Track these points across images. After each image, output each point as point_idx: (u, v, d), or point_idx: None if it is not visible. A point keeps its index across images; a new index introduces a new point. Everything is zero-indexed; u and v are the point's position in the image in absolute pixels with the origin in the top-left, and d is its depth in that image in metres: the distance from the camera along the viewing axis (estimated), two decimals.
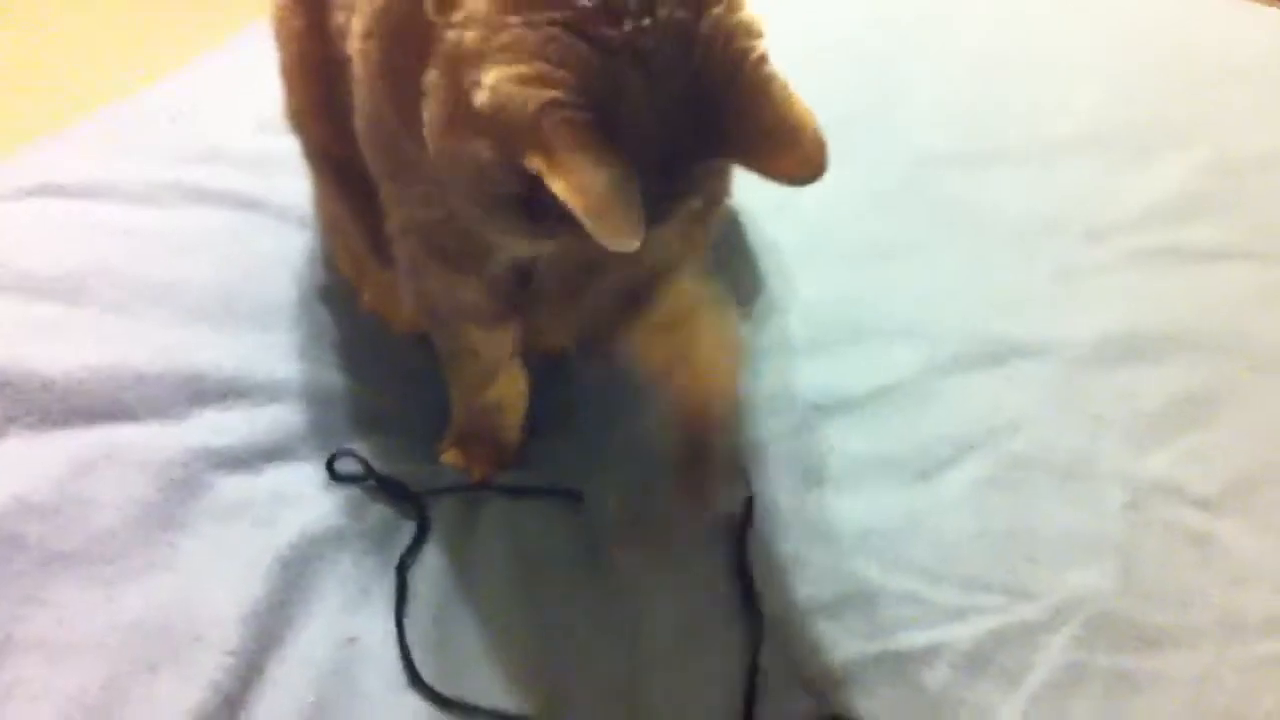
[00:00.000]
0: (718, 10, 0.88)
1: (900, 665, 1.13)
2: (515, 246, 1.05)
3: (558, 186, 0.84)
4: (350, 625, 1.12)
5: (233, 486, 1.20)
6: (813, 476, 1.27)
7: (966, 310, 1.42)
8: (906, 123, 1.62)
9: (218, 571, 1.13)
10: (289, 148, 1.32)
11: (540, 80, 0.85)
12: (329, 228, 1.38)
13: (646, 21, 0.85)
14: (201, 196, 1.44)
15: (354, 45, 1.04)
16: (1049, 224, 1.50)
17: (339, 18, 1.09)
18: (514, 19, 0.86)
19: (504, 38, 0.86)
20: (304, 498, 1.20)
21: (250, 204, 1.45)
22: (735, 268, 1.45)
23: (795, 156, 0.89)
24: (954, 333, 1.39)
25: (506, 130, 0.86)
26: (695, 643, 1.14)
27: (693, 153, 0.90)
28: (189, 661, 1.06)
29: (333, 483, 1.22)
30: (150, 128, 1.56)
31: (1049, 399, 1.34)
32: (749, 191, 1.42)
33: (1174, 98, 1.66)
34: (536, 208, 0.89)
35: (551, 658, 1.12)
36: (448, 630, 1.13)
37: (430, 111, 0.92)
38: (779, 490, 1.26)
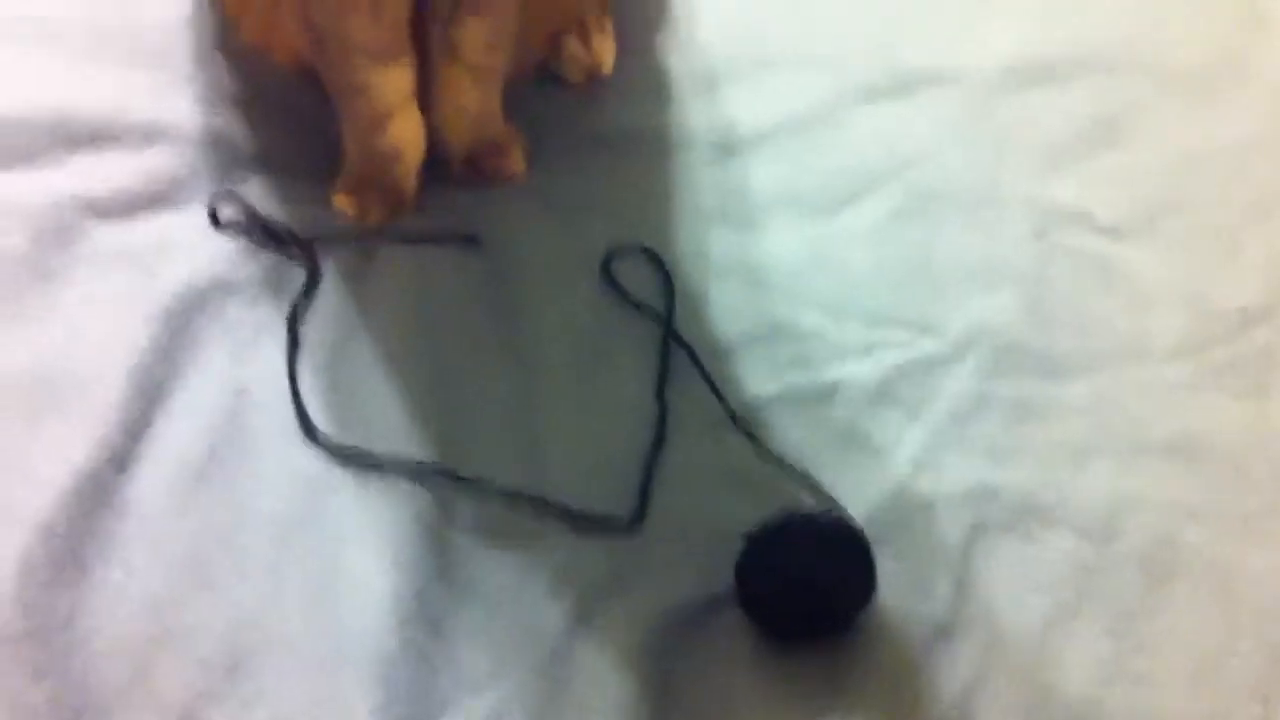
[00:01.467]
0: None
1: (805, 401, 1.12)
2: None
3: None
4: (240, 376, 1.09)
5: (111, 234, 1.15)
6: (720, 214, 1.24)
7: (873, 37, 1.37)
8: None
9: (99, 322, 1.10)
10: None
11: None
12: None
13: None
14: None
15: None
16: None
17: None
18: None
19: None
20: (187, 245, 1.16)
21: None
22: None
23: None
24: (861, 61, 1.35)
25: None
26: (599, 378, 1.12)
27: None
28: (72, 415, 1.04)
29: (217, 229, 1.17)
30: None
31: (956, 128, 1.31)
32: None
33: None
34: None
35: (450, 400, 1.10)
36: (341, 378, 1.10)
37: None
38: (681, 228, 1.23)
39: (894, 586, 1.00)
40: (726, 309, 1.17)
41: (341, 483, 1.04)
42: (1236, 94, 1.35)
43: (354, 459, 1.05)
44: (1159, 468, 1.09)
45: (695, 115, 1.30)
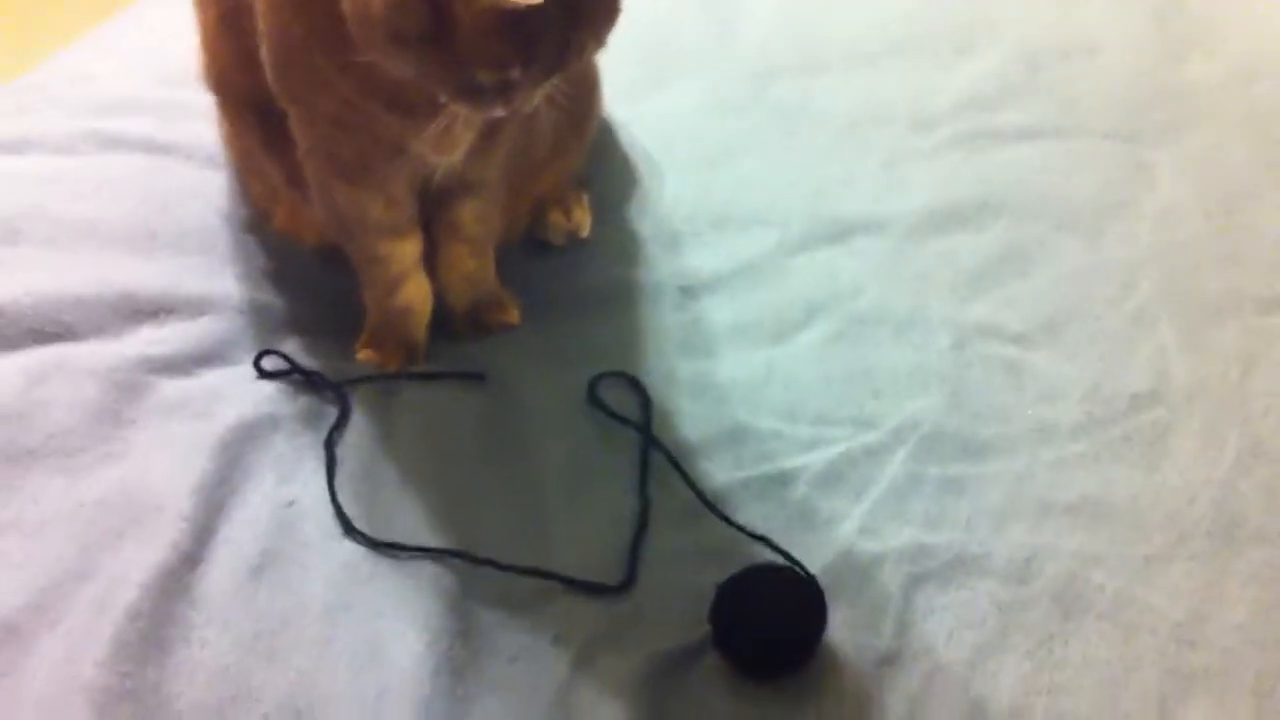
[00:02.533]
0: None
1: (766, 487, 1.31)
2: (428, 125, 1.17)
3: None
4: (287, 491, 1.28)
5: (172, 387, 1.36)
6: (686, 346, 1.46)
7: (810, 196, 1.62)
8: (745, 41, 1.82)
9: (167, 456, 1.29)
10: (190, 98, 1.51)
11: None
12: (242, 162, 1.53)
13: None
14: (116, 143, 1.60)
15: None
16: (877, 119, 1.71)
17: None
18: None
19: None
20: (237, 393, 1.36)
21: (162, 148, 1.60)
22: (611, 170, 1.64)
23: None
24: (800, 216, 1.59)
25: None
26: (591, 480, 1.32)
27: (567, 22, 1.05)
28: (150, 527, 1.22)
29: (261, 379, 1.38)
30: (60, 89, 1.71)
31: (884, 266, 1.53)
32: (611, 105, 1.62)
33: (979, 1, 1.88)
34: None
35: (464, 503, 1.29)
36: (372, 488, 1.29)
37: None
38: (659, 359, 1.44)
39: (846, 627, 1.19)
40: (696, 419, 1.38)
41: (376, 569, 1.23)
42: (1122, 226, 1.57)
43: (386, 549, 1.24)
44: (1067, 523, 1.28)
45: (661, 268, 1.54)
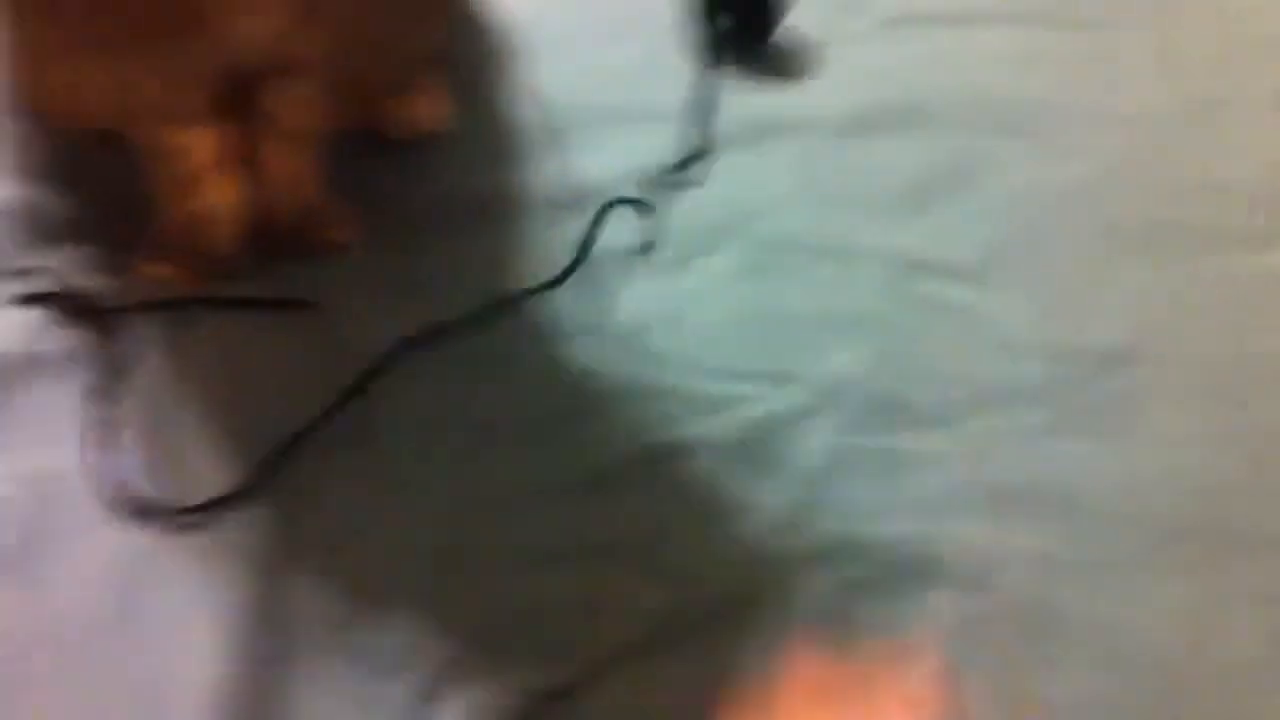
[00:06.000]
0: None
1: (661, 462, 1.06)
2: None
3: None
4: (47, 457, 1.00)
5: None
6: (563, 273, 1.19)
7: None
8: None
9: None
10: None
11: None
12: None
13: None
14: None
15: None
16: None
17: None
18: None
19: None
20: None
21: None
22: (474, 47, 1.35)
23: None
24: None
25: None
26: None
27: None
28: None
29: (17, 305, 1.09)
30: None
31: (801, 179, 1.28)
32: None
33: None
34: None
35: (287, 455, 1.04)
36: (161, 451, 1.03)
37: None
38: (540, 294, 1.17)
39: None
40: (579, 374, 1.12)
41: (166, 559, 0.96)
42: (1086, 132, 1.35)
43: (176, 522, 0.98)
44: (1027, 521, 1.05)
45: (535, 173, 1.25)
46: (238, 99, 1.10)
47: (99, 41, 1.03)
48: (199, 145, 1.10)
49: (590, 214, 1.22)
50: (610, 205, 1.23)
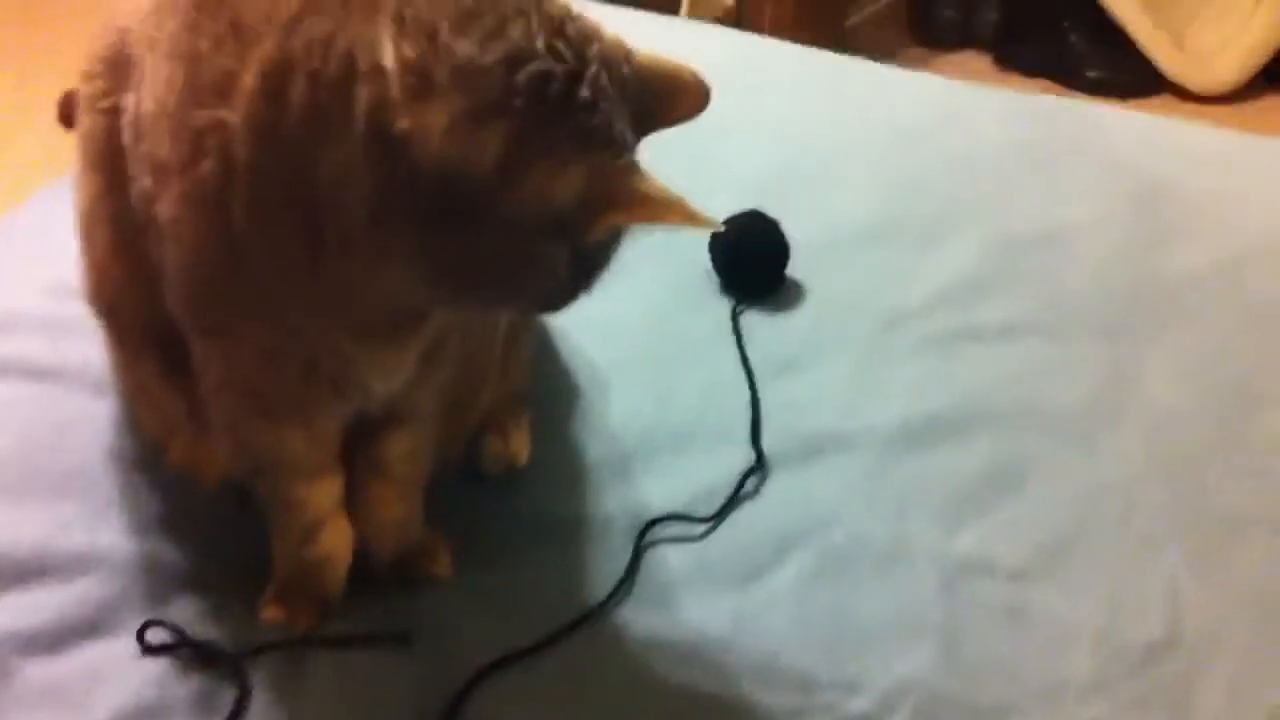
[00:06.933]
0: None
1: None
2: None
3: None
4: None
5: (39, 670, 1.15)
6: (640, 592, 1.27)
7: (777, 410, 1.45)
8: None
9: None
10: (80, 312, 1.31)
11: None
12: (133, 393, 1.35)
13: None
14: None
15: (169, 201, 1.04)
16: (845, 316, 1.55)
17: (144, 183, 1.08)
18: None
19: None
20: (117, 674, 1.16)
21: (47, 373, 1.42)
22: (550, 384, 1.48)
23: (689, 100, 1.04)
24: (764, 433, 1.42)
25: None
26: None
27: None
28: None
29: (146, 655, 1.18)
30: None
31: (859, 489, 1.37)
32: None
33: (953, 186, 1.73)
34: None
35: None
36: None
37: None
38: (612, 610, 1.26)
39: None
40: (651, 688, 1.19)
41: None
42: (1114, 437, 1.43)
43: None
44: None
45: (610, 499, 1.36)
46: (347, 448, 1.21)
47: (261, 411, 1.14)
48: (322, 495, 1.20)
49: (649, 533, 1.31)
50: (662, 521, 1.32)
